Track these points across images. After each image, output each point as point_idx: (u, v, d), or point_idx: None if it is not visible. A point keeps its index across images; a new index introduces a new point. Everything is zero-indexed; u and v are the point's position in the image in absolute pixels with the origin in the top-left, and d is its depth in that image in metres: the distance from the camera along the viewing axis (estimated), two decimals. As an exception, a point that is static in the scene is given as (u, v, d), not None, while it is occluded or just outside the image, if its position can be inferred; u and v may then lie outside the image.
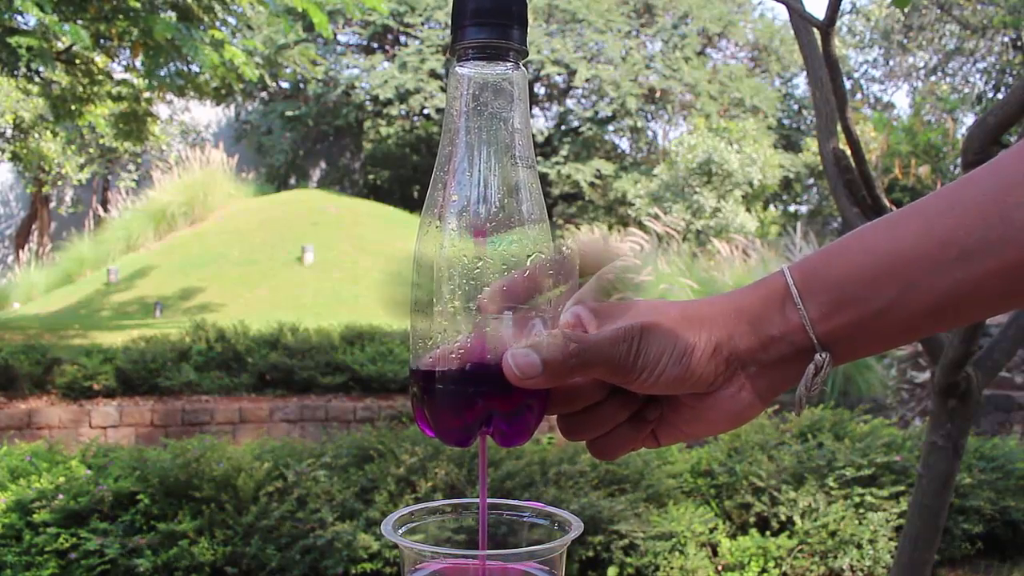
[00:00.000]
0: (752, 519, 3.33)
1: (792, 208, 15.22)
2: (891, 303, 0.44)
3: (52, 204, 12.17)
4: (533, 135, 0.48)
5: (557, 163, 15.25)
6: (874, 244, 0.45)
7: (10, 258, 11.80)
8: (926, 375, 5.28)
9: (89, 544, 2.77)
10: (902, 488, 3.35)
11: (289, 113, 15.47)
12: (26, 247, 11.63)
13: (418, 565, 0.44)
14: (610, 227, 13.23)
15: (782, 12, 19.77)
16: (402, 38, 16.08)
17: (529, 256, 0.45)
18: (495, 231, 0.44)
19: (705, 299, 0.47)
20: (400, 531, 0.47)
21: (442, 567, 0.44)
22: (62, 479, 2.99)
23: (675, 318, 0.46)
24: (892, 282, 0.43)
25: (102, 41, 6.18)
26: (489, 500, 0.48)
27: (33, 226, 12.24)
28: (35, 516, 2.84)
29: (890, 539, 3.23)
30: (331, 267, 9.46)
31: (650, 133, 16.95)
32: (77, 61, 6.61)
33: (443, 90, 15.26)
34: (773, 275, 0.47)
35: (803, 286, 0.45)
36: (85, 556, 2.77)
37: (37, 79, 6.76)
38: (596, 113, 15.65)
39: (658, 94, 15.68)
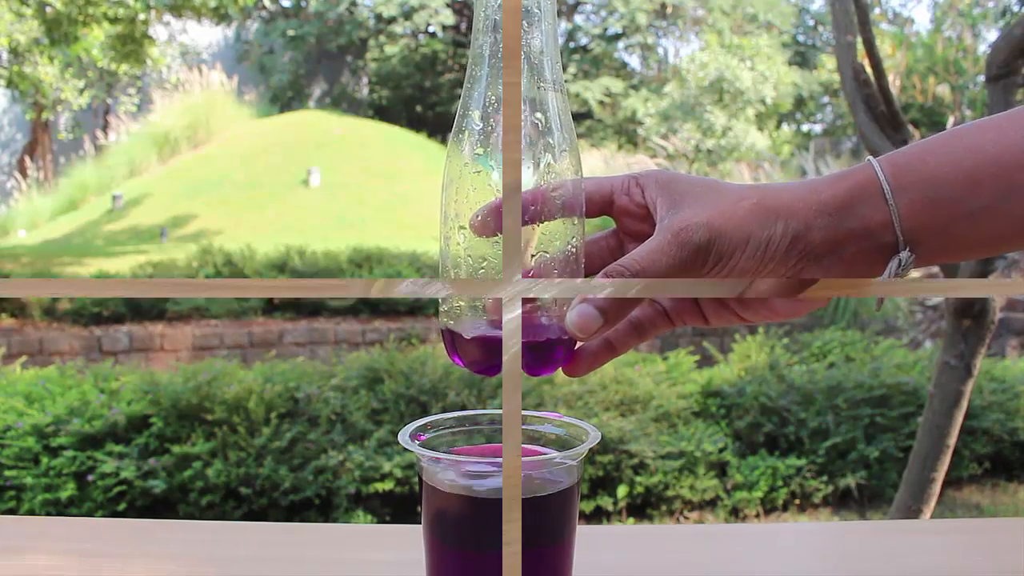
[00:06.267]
0: (761, 439, 3.35)
1: (805, 127, 14.91)
2: (987, 207, 0.42)
3: (52, 130, 12.03)
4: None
5: (565, 81, 14.89)
6: (980, 143, 0.42)
7: (10, 185, 11.71)
8: (939, 297, 5.23)
9: (105, 467, 2.81)
10: (912, 409, 3.36)
11: (291, 32, 15.09)
12: (28, 174, 11.52)
13: (436, 474, 0.44)
14: (619, 147, 13.02)
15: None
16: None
17: (559, 182, 0.44)
18: (524, 158, 0.43)
19: (782, 186, 0.45)
20: (416, 442, 0.46)
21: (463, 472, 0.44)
22: (76, 403, 3.01)
23: (750, 209, 0.44)
24: (993, 184, 0.41)
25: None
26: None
27: (34, 152, 12.11)
28: (52, 440, 2.87)
29: (899, 459, 3.25)
30: (337, 189, 9.36)
31: (661, 50, 16.52)
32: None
33: (449, 6, 14.82)
34: (859, 167, 0.44)
35: (895, 181, 0.43)
36: (102, 478, 2.82)
37: (31, 0, 6.56)
38: (605, 30, 15.21)
39: (669, 10, 15.20)
